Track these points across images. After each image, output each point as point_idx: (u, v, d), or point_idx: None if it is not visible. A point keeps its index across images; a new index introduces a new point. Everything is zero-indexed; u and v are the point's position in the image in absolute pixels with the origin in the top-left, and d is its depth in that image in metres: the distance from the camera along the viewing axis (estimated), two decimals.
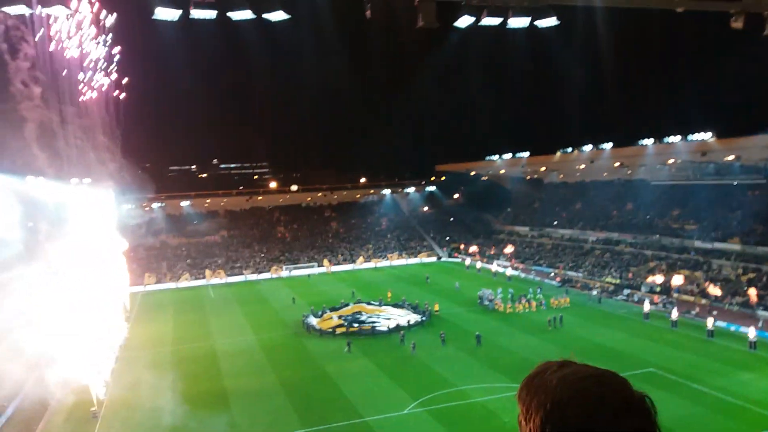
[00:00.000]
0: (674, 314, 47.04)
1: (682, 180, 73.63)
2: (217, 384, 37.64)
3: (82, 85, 39.08)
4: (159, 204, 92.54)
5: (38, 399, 35.40)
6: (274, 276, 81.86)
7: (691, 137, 62.67)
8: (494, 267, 76.58)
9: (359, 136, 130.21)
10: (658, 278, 57.59)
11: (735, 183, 65.88)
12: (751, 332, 40.41)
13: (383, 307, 56.96)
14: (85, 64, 37.65)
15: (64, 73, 35.99)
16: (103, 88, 41.45)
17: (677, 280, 52.87)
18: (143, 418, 32.61)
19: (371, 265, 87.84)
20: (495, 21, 15.05)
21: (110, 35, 37.56)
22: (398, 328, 48.53)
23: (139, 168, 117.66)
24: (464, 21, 15.51)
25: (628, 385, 1.60)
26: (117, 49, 38.93)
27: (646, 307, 50.44)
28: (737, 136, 59.49)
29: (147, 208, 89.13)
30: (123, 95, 44.77)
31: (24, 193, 38.38)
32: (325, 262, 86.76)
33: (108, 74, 41.48)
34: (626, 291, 58.47)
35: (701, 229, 64.63)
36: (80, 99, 38.84)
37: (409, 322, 50.25)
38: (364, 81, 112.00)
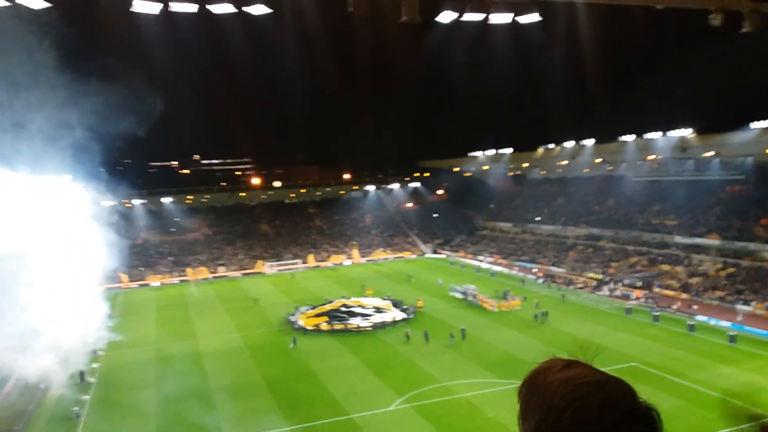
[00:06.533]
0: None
1: (663, 176, 74.45)
2: (201, 382, 37.30)
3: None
4: (140, 201, 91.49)
5: (20, 398, 34.98)
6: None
7: (671, 133, 63.38)
8: (477, 263, 76.90)
9: (343, 132, 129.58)
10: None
11: (714, 179, 66.78)
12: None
13: (369, 301, 57.16)
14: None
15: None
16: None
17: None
18: (125, 417, 32.29)
19: (350, 262, 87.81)
20: (477, 16, 15.03)
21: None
22: (383, 325, 48.62)
23: (120, 164, 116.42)
24: (447, 16, 15.48)
25: (633, 395, 1.50)
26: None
27: (629, 302, 51.01)
28: (716, 132, 60.29)
29: (128, 205, 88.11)
30: None
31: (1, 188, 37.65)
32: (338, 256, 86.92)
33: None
34: (608, 286, 59.04)
35: (681, 224, 65.43)
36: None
37: (394, 318, 50.30)
38: (348, 77, 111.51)
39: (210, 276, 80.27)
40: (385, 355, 41.52)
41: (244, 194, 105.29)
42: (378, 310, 53.99)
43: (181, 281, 78.27)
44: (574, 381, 1.50)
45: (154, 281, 77.64)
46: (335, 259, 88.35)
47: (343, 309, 54.91)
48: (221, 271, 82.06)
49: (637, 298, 53.61)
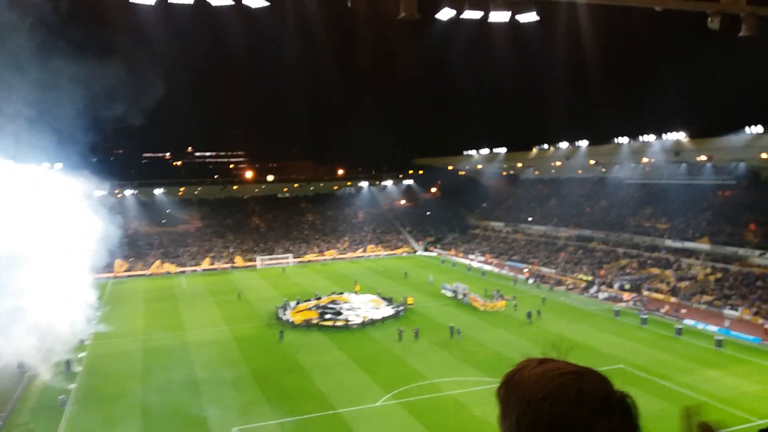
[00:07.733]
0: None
1: (655, 179, 74.82)
2: (189, 374, 37.20)
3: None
4: (131, 191, 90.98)
5: (5, 385, 34.72)
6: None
7: (665, 136, 63.51)
8: (468, 262, 77.03)
9: (338, 127, 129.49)
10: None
11: (706, 183, 67.14)
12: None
13: (359, 297, 57.15)
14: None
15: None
16: None
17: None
18: (111, 406, 32.16)
19: (344, 257, 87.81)
20: (476, 14, 14.96)
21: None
22: (373, 322, 48.63)
23: (112, 154, 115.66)
24: (445, 13, 15.41)
25: (608, 383, 1.56)
26: None
27: (618, 304, 51.23)
28: (710, 136, 60.50)
29: (119, 195, 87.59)
30: None
31: None
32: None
33: None
34: (597, 288, 59.31)
35: (672, 228, 65.78)
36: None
37: (383, 315, 50.27)
38: (344, 72, 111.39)
39: (199, 268, 79.96)
40: (374, 351, 41.54)
41: (236, 187, 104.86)
42: (367, 306, 53.95)
43: (167, 273, 77.90)
44: (550, 373, 1.55)
45: (144, 272, 77.25)
46: (327, 254, 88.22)
47: (333, 304, 54.82)
48: (211, 263, 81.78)
49: (626, 301, 53.88)
